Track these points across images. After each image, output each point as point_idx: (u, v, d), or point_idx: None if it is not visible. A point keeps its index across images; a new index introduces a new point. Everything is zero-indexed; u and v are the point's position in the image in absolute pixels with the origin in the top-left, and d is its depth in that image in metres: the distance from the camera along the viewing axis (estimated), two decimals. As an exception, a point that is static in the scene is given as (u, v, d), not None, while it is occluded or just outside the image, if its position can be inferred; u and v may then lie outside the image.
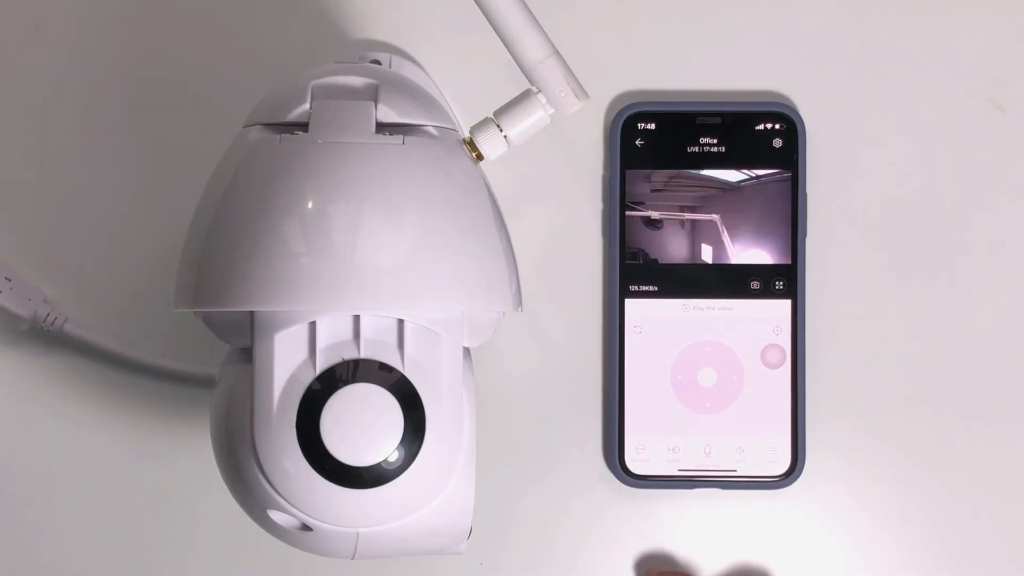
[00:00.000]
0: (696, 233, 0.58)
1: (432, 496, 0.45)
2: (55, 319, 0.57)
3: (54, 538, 0.59)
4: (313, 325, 0.44)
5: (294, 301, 0.42)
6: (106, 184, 0.59)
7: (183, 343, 0.58)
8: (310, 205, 0.43)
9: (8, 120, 0.59)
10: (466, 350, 0.46)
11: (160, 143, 0.59)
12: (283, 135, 0.45)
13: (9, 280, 0.57)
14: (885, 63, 0.59)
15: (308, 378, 0.43)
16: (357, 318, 0.44)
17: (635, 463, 0.58)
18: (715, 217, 0.58)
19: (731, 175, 0.58)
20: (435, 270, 0.44)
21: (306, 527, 0.45)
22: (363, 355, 0.43)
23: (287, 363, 0.44)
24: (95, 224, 0.59)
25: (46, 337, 0.58)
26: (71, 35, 0.59)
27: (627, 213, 0.58)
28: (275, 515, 0.45)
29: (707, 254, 0.58)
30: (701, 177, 0.58)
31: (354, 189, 0.43)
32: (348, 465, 0.43)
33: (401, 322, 0.44)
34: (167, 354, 0.58)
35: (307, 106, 0.45)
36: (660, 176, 0.58)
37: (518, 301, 0.48)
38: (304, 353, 0.44)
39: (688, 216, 0.58)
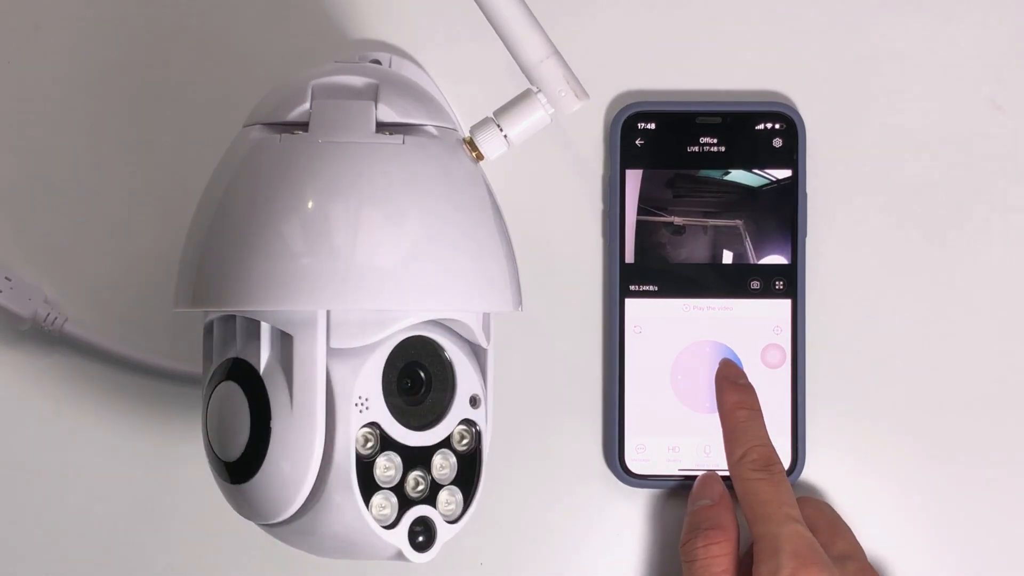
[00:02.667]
0: (718, 238, 0.58)
1: (288, 500, 0.44)
2: (55, 319, 0.57)
3: (54, 537, 0.59)
4: (211, 325, 0.47)
5: (293, 301, 0.42)
6: (106, 184, 0.59)
7: (183, 343, 0.58)
8: (310, 205, 0.43)
9: (8, 120, 0.59)
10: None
11: (160, 143, 0.59)
12: (283, 135, 0.45)
13: (9, 280, 0.57)
14: (885, 63, 0.59)
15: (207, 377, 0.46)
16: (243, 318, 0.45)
17: (635, 463, 0.58)
18: (738, 223, 0.58)
19: (749, 179, 0.58)
20: (435, 270, 0.44)
21: None
22: (238, 354, 0.45)
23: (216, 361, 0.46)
24: (95, 224, 0.59)
25: (46, 337, 0.58)
26: (71, 35, 0.59)
27: (648, 218, 0.58)
28: None
29: (728, 259, 0.58)
30: (722, 183, 0.58)
31: (354, 189, 0.43)
32: (220, 459, 0.45)
33: (257, 323, 0.44)
34: (167, 354, 0.58)
35: (307, 106, 0.45)
36: (682, 181, 0.58)
37: (518, 301, 0.48)
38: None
39: (712, 222, 0.58)
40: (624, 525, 0.59)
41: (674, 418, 0.58)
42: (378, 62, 0.56)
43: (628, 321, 0.58)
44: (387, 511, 0.44)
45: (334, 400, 0.43)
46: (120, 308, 0.59)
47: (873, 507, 0.58)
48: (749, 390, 0.56)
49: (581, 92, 0.46)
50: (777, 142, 0.58)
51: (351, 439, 0.43)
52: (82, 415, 0.59)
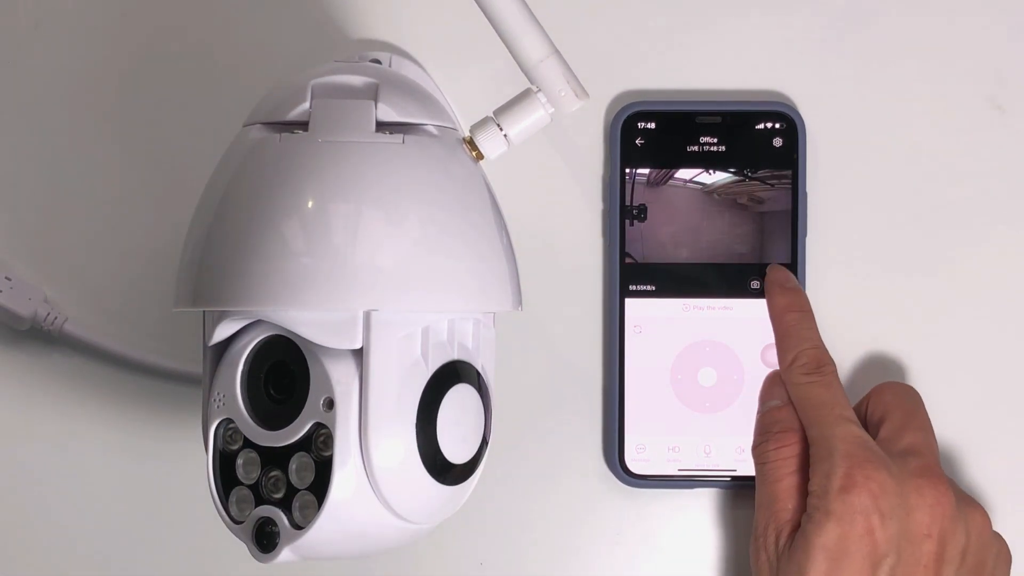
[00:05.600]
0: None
1: None
2: (55, 319, 0.57)
3: (54, 538, 0.59)
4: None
5: (294, 301, 0.42)
6: (106, 184, 0.59)
7: (183, 343, 0.58)
8: (310, 204, 0.43)
9: (8, 120, 0.59)
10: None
11: (160, 143, 0.59)
12: (283, 134, 0.45)
13: (9, 280, 0.57)
14: (885, 63, 0.59)
15: None
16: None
17: (635, 463, 0.58)
18: None
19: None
20: (435, 269, 0.44)
21: None
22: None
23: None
24: (95, 224, 0.59)
25: (46, 337, 0.58)
26: (71, 34, 0.59)
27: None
28: None
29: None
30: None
31: (354, 188, 0.43)
32: None
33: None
34: (167, 354, 0.58)
35: (307, 105, 0.45)
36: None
37: (518, 301, 0.48)
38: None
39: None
40: (624, 525, 0.59)
41: (674, 418, 0.58)
42: (378, 62, 0.56)
43: (628, 321, 0.58)
44: (241, 507, 0.45)
45: (207, 395, 0.46)
46: (120, 308, 0.59)
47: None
48: (798, 292, 0.56)
49: (581, 91, 0.46)
50: (777, 142, 0.58)
51: (209, 433, 0.45)
52: (82, 415, 0.59)
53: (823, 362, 0.54)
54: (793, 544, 0.51)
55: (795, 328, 0.55)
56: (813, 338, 0.55)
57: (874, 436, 0.53)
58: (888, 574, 0.50)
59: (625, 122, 0.58)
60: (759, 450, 0.54)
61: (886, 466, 0.50)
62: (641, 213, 0.57)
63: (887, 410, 0.54)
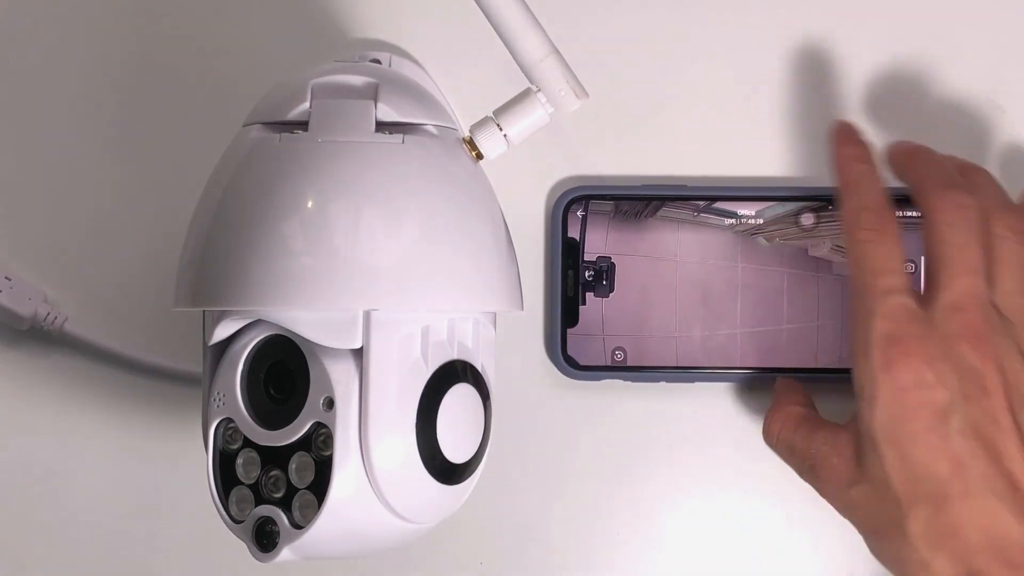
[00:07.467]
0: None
1: None
2: (55, 319, 0.57)
3: (54, 538, 0.59)
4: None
5: (294, 300, 0.42)
6: (106, 184, 0.59)
7: (183, 343, 0.58)
8: (310, 204, 0.43)
9: (8, 120, 0.59)
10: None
11: (160, 143, 0.59)
12: (283, 134, 0.45)
13: (9, 280, 0.57)
14: (885, 62, 0.59)
15: None
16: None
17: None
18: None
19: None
20: (435, 269, 0.44)
21: None
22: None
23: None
24: (95, 224, 0.59)
25: (46, 337, 0.58)
26: (71, 35, 0.59)
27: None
28: None
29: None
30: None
31: (354, 188, 0.43)
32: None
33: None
34: (167, 354, 0.58)
35: (307, 105, 0.45)
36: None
37: (518, 301, 0.48)
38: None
39: None
40: (625, 525, 0.59)
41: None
42: (378, 62, 0.56)
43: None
44: (241, 507, 0.45)
45: (207, 395, 0.46)
46: (120, 308, 0.59)
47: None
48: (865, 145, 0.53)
49: (580, 91, 0.46)
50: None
51: (209, 433, 0.45)
52: (82, 415, 0.59)
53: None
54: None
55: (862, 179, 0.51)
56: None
57: None
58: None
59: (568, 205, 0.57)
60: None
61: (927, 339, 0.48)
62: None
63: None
